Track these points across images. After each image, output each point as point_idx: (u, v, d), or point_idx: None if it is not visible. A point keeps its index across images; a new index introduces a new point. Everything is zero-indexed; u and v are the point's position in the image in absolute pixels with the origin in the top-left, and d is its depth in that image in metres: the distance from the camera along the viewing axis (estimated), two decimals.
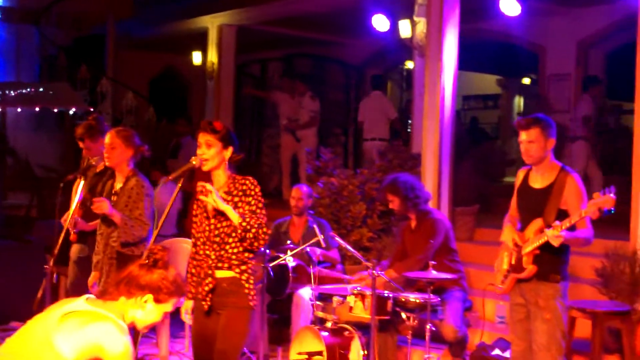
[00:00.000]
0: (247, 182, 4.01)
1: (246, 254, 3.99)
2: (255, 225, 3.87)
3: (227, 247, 3.97)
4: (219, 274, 3.99)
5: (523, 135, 4.35)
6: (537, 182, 4.44)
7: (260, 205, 3.97)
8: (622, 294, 5.64)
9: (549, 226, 4.16)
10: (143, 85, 13.64)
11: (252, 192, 3.98)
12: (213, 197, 3.89)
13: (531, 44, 11.64)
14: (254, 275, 4.05)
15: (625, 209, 5.98)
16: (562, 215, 4.24)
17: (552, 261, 4.32)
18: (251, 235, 3.88)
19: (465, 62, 8.30)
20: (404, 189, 5.94)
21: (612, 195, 3.85)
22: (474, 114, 17.92)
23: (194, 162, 4.01)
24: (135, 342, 3.54)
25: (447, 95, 7.55)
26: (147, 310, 3.06)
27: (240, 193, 3.97)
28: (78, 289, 6.05)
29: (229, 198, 3.97)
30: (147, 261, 3.06)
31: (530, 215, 4.39)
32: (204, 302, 4.01)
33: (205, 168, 4.02)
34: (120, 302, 3.03)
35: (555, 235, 4.06)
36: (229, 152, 4.03)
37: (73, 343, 2.83)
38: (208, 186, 3.91)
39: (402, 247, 6.14)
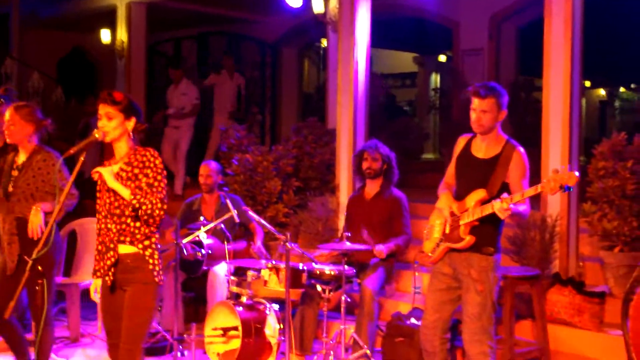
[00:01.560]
0: (148, 153, 3.88)
1: (150, 229, 3.87)
2: (148, 202, 3.75)
3: (129, 220, 3.85)
4: (122, 249, 3.88)
5: (476, 103, 4.25)
6: (481, 152, 4.35)
7: (159, 177, 3.83)
8: (534, 260, 5.75)
9: (493, 198, 4.08)
10: (51, 66, 13.17)
11: (151, 165, 3.84)
12: (104, 175, 3.80)
13: (445, 19, 11.74)
14: (159, 250, 3.93)
15: (535, 180, 6.07)
16: (503, 188, 4.18)
17: (488, 233, 4.27)
18: (144, 212, 3.77)
19: (381, 39, 8.32)
20: (387, 154, 5.99)
21: (575, 172, 3.80)
22: (392, 92, 18.10)
23: (96, 135, 3.87)
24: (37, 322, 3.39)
25: (361, 70, 7.53)
26: None
27: (141, 165, 3.85)
28: None
29: (129, 169, 3.85)
30: None
31: (472, 184, 4.29)
32: (107, 278, 3.90)
33: (107, 140, 3.89)
34: None
35: (503, 208, 3.97)
36: (131, 123, 3.90)
37: None
38: (98, 169, 3.84)
39: (352, 219, 6.10)
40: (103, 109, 3.86)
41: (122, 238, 3.86)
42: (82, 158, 3.81)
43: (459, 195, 4.39)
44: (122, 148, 3.93)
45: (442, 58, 16.17)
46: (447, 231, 4.36)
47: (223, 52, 11.37)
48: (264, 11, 11.90)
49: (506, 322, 4.89)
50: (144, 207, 3.74)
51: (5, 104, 5.85)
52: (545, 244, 5.78)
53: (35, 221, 4.77)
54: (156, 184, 3.81)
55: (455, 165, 4.51)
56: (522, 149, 4.28)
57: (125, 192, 3.78)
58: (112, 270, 3.89)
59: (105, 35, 12.84)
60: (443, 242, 4.39)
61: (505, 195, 4.04)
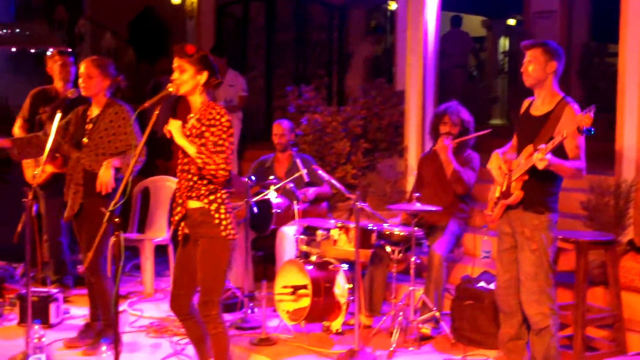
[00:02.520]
0: (214, 110, 3.91)
1: (216, 185, 3.92)
2: (212, 163, 3.81)
3: (195, 177, 3.93)
4: (190, 204, 3.98)
5: (526, 57, 4.32)
6: (537, 109, 4.38)
7: (224, 136, 3.86)
8: (607, 226, 5.64)
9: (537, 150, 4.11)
10: (122, 27, 13.33)
11: (217, 122, 3.88)
12: (172, 130, 3.86)
13: None
14: (228, 206, 3.98)
15: (610, 145, 5.97)
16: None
17: (539, 190, 4.28)
18: (207, 173, 3.84)
19: (449, 1, 8.15)
20: (466, 119, 5.95)
21: (591, 113, 3.79)
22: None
23: (170, 89, 3.94)
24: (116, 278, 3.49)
25: (430, 30, 7.44)
26: None
27: (207, 122, 3.90)
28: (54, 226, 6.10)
29: (198, 125, 3.91)
30: None
31: (525, 142, 4.33)
32: (179, 230, 4.04)
33: (180, 92, 3.96)
34: None
35: (539, 157, 4.01)
36: (203, 77, 3.93)
37: None
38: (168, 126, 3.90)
39: (423, 179, 6.09)
40: (176, 62, 3.92)
41: (190, 194, 3.95)
42: (156, 112, 3.88)
43: (518, 154, 4.41)
44: (196, 103, 3.98)
45: (511, 22, 15.82)
46: (504, 189, 4.40)
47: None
48: None
49: (579, 287, 4.83)
50: (207, 167, 3.81)
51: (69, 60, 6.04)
52: (619, 210, 5.66)
53: (106, 176, 4.86)
54: (220, 142, 3.85)
55: (517, 126, 4.56)
56: (575, 105, 4.24)
57: (191, 150, 3.84)
58: (182, 224, 4.01)
59: None
60: (500, 200, 4.43)
61: (542, 145, 4.06)
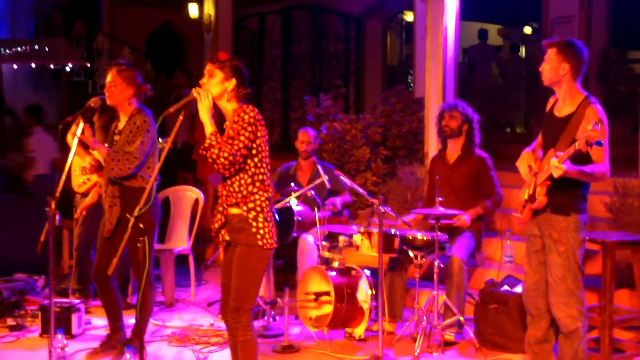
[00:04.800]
0: (243, 112, 3.89)
1: (253, 190, 3.90)
2: (216, 149, 3.79)
3: (235, 184, 3.92)
4: (231, 210, 3.97)
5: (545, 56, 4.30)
6: (560, 110, 4.31)
7: (241, 131, 3.83)
8: (632, 227, 5.59)
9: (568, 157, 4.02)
10: (140, 42, 13.46)
11: (239, 119, 3.86)
12: (199, 104, 3.85)
13: None
14: (268, 214, 3.94)
15: (633, 148, 5.93)
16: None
17: (565, 192, 4.21)
18: (209, 156, 3.84)
19: (466, 10, 8.12)
20: (469, 114, 5.87)
21: (597, 127, 3.77)
22: None
23: (194, 94, 3.92)
24: (139, 281, 3.49)
25: (450, 36, 7.42)
26: None
27: (233, 120, 3.90)
28: (89, 234, 6.10)
29: (230, 132, 3.90)
30: None
31: (549, 144, 4.27)
32: (218, 238, 4.06)
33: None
34: None
35: (555, 165, 3.94)
36: (231, 84, 3.92)
37: None
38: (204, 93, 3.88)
39: (435, 181, 5.92)
40: (207, 67, 3.95)
41: (230, 201, 3.95)
42: (180, 117, 3.87)
43: (543, 156, 4.35)
44: (227, 110, 3.98)
45: (528, 30, 15.78)
46: (530, 192, 4.34)
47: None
48: None
49: (606, 288, 4.76)
50: (211, 150, 3.81)
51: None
52: None
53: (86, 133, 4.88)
54: (236, 135, 3.83)
55: (541, 124, 4.49)
56: (598, 106, 4.17)
57: (209, 128, 3.84)
58: (222, 231, 4.03)
59: (193, 10, 13.03)
60: (527, 204, 4.37)
61: (559, 153, 3.99)
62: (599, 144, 3.81)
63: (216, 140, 3.81)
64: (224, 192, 3.98)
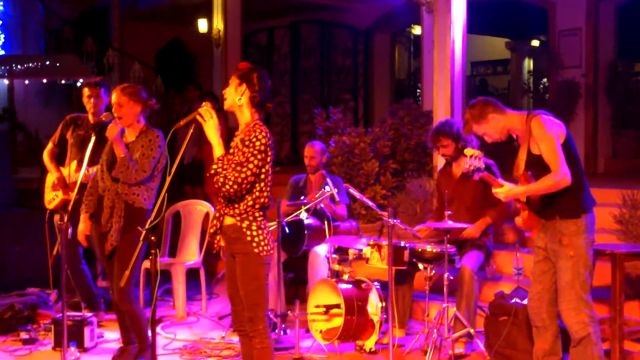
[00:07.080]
0: (256, 132, 3.89)
1: (249, 203, 3.93)
2: (222, 176, 3.84)
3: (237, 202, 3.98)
4: (226, 220, 4.01)
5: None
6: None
7: (251, 158, 3.85)
8: None
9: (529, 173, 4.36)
10: (150, 57, 13.56)
11: (251, 144, 3.87)
12: (205, 125, 3.88)
13: (541, 0, 11.52)
14: (263, 223, 3.99)
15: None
16: (535, 160, 4.28)
17: (565, 200, 4.26)
18: (216, 182, 3.89)
19: (473, 24, 8.18)
20: (459, 132, 5.80)
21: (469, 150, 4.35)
22: (484, 79, 17.86)
23: (198, 118, 3.94)
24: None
25: (457, 49, 7.48)
26: None
27: (245, 139, 3.91)
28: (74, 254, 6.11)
29: (241, 146, 3.91)
30: None
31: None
32: (215, 244, 4.11)
33: (225, 107, 4.01)
34: None
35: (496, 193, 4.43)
36: (241, 90, 3.93)
37: None
38: (211, 112, 3.90)
39: (444, 196, 5.87)
40: (230, 79, 4.01)
41: (225, 210, 3.99)
42: (191, 130, 3.91)
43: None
44: (241, 119, 4.01)
45: (535, 43, 15.83)
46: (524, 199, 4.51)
47: None
48: None
49: (615, 300, 4.77)
50: (217, 177, 3.86)
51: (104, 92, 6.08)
52: None
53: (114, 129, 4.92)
54: (245, 162, 3.85)
55: None
56: (543, 116, 4.28)
57: (217, 150, 3.89)
58: (217, 237, 4.07)
59: (202, 25, 13.13)
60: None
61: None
62: (480, 169, 4.35)
63: (222, 167, 3.86)
64: (223, 200, 4.01)
